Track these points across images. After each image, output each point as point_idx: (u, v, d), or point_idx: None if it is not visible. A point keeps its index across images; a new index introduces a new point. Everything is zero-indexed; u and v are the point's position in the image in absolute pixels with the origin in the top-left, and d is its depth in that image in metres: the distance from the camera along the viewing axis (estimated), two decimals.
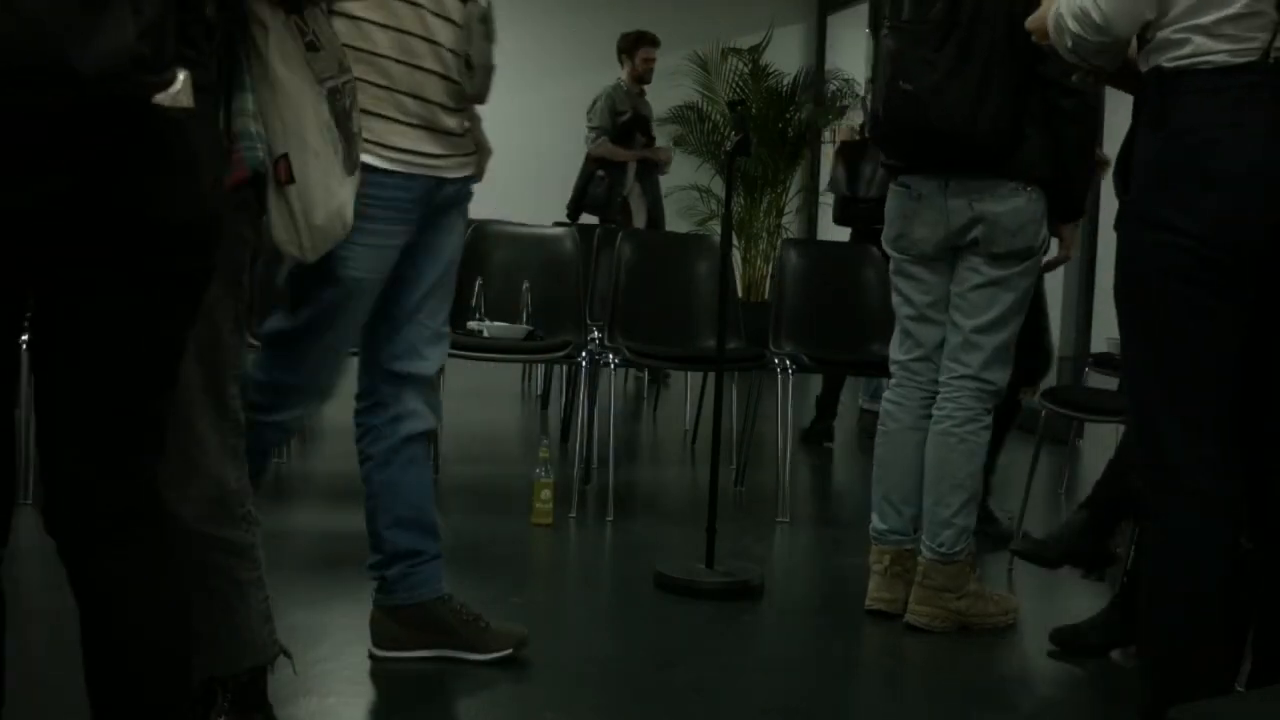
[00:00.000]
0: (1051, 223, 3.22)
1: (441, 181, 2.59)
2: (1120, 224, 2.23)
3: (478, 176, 2.71)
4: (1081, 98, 3.10)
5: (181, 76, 1.52)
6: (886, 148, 3.34)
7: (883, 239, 3.34)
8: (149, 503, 1.67)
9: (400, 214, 2.53)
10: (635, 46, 7.40)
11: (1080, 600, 3.38)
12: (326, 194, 2.11)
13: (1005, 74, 3.03)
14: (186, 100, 1.54)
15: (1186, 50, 2.10)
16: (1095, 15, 2.17)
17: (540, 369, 6.67)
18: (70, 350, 1.59)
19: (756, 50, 10.04)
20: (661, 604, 3.39)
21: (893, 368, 3.37)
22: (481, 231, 5.01)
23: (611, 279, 4.85)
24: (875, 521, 3.31)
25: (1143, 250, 2.18)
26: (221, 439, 2.05)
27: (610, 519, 4.26)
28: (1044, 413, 4.03)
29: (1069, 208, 3.25)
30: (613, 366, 4.50)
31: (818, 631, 3.28)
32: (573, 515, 4.26)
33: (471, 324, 4.60)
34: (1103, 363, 5.24)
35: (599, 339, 4.74)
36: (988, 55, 3.02)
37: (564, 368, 5.42)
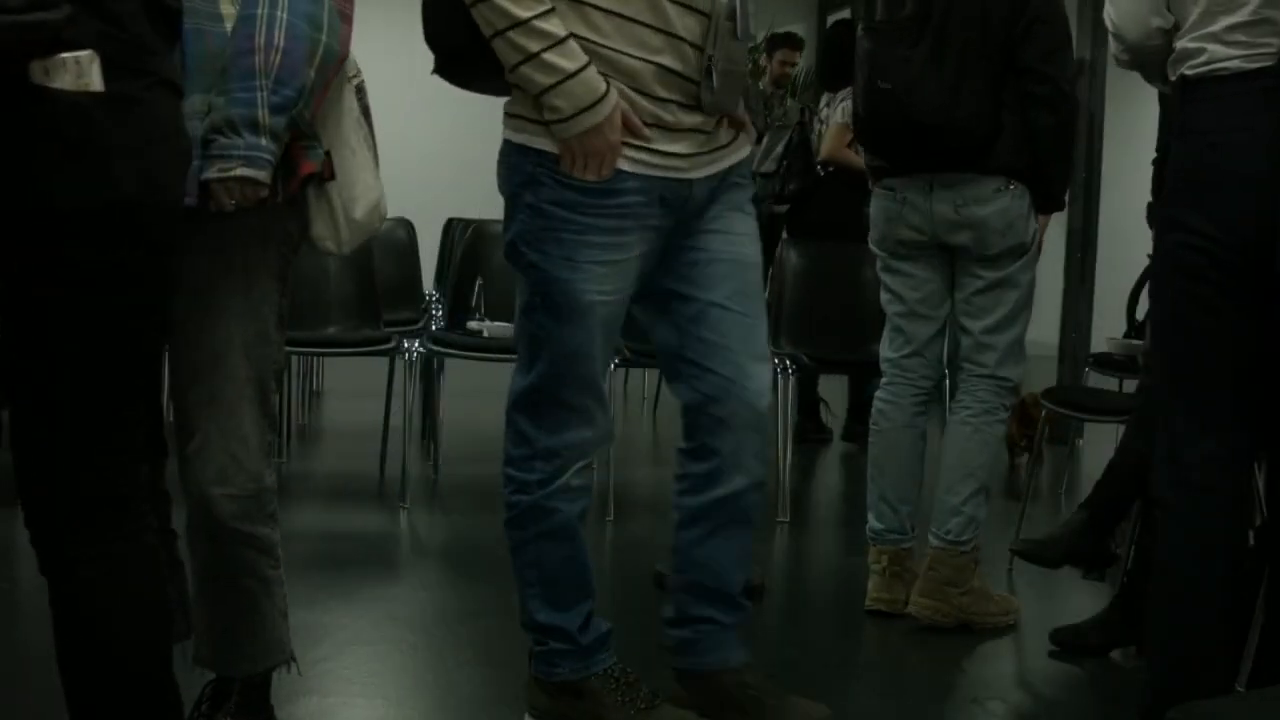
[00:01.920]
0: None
1: (688, 183, 2.25)
2: (1153, 226, 2.34)
3: (745, 164, 2.37)
4: (1055, 85, 3.09)
5: (83, 57, 1.46)
6: (869, 147, 3.36)
7: (869, 239, 3.35)
8: (119, 497, 1.63)
9: (638, 221, 2.21)
10: (774, 48, 7.19)
11: (1080, 600, 3.37)
12: (365, 188, 2.12)
13: (981, 66, 3.04)
14: (94, 84, 1.47)
15: (1203, 58, 2.14)
16: (1109, 24, 2.29)
17: None
18: (19, 340, 1.56)
19: (756, 50, 10.03)
20: (662, 604, 3.38)
21: (884, 365, 3.36)
22: (481, 231, 5.01)
23: None
24: (872, 521, 3.31)
25: (1162, 249, 2.25)
26: (261, 435, 2.07)
27: (610, 519, 4.26)
28: (1044, 413, 4.03)
29: (1046, 199, 3.22)
30: (613, 366, 4.49)
31: (818, 631, 3.28)
32: None
33: (471, 324, 4.61)
34: (1103, 363, 5.23)
35: None
36: (962, 48, 3.03)
37: None
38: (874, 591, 3.29)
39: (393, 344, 4.41)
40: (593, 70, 2.12)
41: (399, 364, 4.48)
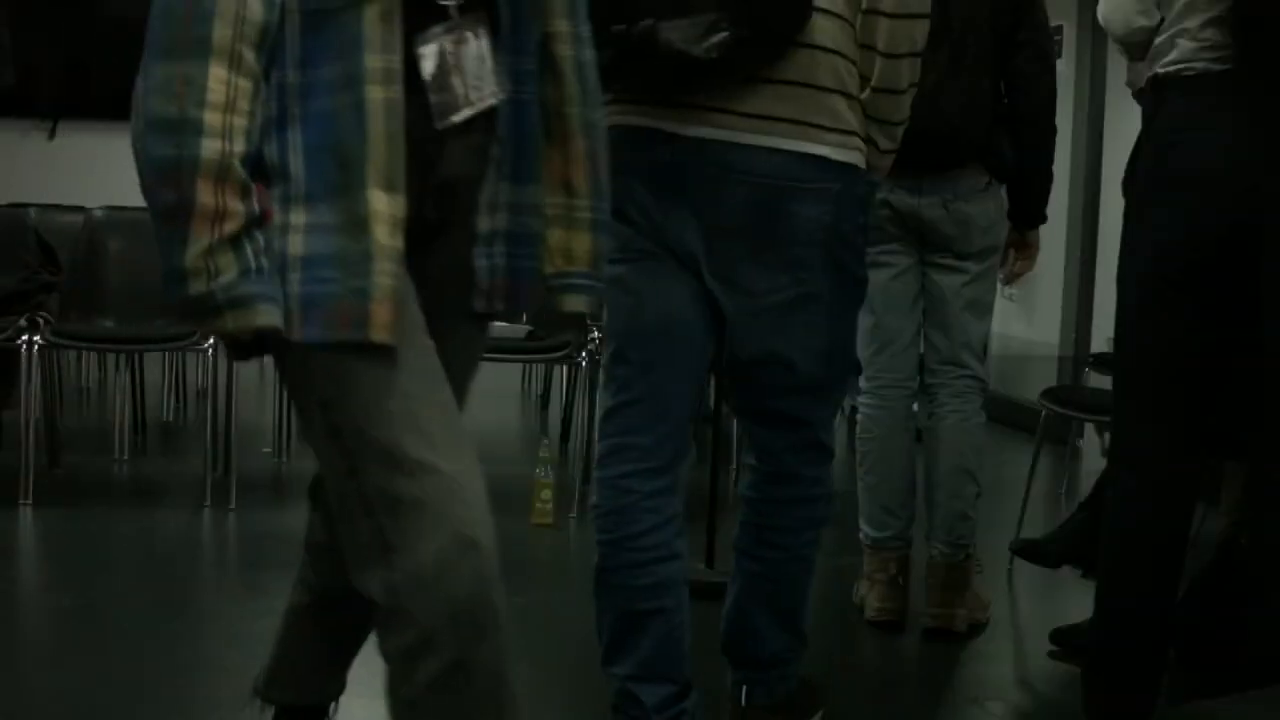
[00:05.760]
0: (1018, 229, 3.25)
1: None
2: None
3: None
4: (1047, 58, 3.14)
5: None
6: None
7: None
8: None
9: None
10: None
11: (1080, 600, 3.36)
12: None
13: (991, 81, 3.08)
14: None
15: (1173, 56, 2.21)
16: (1100, 18, 2.41)
17: (540, 369, 6.67)
18: None
19: None
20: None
21: (866, 369, 3.28)
22: None
23: None
24: (873, 531, 3.23)
25: (1129, 244, 2.36)
26: None
27: None
28: (1044, 413, 4.03)
29: (1029, 212, 3.25)
30: None
31: (817, 631, 3.26)
32: (573, 515, 4.26)
33: None
34: (1103, 362, 5.22)
35: (599, 339, 4.74)
36: (974, 63, 3.04)
37: (564, 368, 5.42)
38: (877, 602, 3.20)
39: None
40: None
41: None
